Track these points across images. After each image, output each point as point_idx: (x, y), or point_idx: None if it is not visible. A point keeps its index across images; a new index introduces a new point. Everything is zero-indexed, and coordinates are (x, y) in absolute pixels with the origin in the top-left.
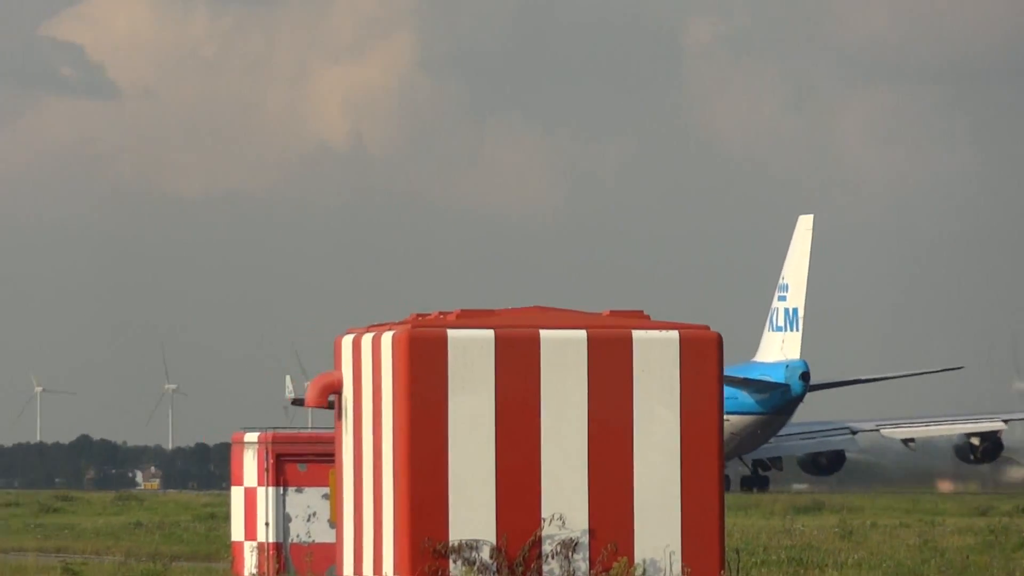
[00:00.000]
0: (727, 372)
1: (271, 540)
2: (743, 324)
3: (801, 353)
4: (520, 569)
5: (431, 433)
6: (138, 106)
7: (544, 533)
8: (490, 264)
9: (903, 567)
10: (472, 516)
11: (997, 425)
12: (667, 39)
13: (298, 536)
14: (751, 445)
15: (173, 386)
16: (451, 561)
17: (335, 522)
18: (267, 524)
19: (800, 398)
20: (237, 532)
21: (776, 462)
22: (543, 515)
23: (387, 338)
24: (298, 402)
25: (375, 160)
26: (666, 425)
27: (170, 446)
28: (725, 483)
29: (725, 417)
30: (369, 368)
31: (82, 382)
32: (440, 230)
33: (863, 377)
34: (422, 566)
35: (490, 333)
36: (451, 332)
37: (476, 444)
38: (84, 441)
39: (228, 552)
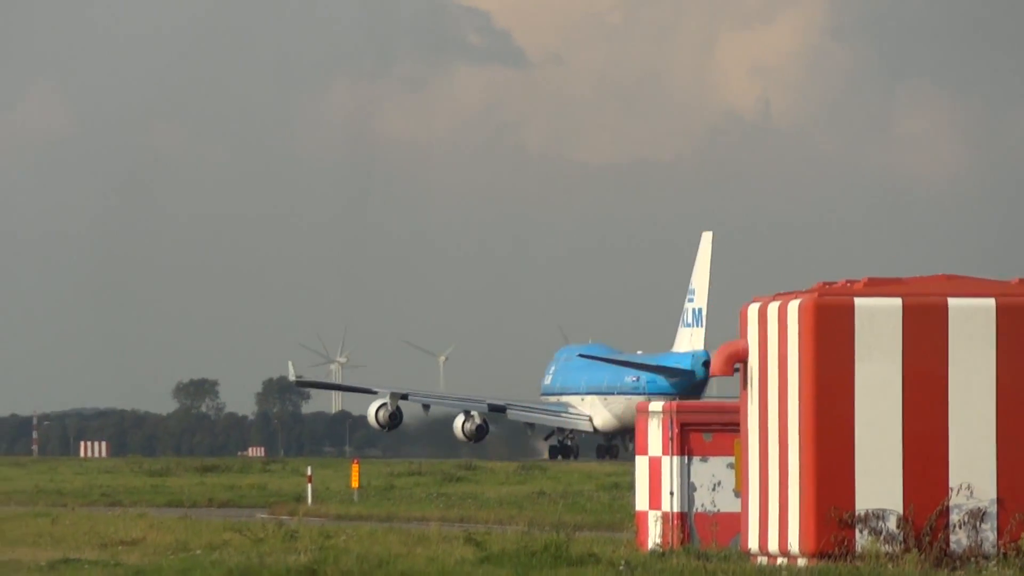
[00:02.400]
0: (648, 361)
1: (675, 510)
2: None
3: (704, 345)
4: (927, 539)
5: (837, 402)
6: (545, 73)
7: (951, 503)
8: (897, 231)
9: None
10: (878, 485)
11: None
12: None
13: (703, 506)
14: None
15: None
16: (857, 531)
17: (740, 492)
18: (671, 494)
19: (704, 382)
20: (641, 502)
21: None
22: (950, 485)
23: (793, 306)
24: (303, 384)
25: (782, 128)
26: None
27: None
28: (614, 452)
29: (646, 398)
30: (775, 337)
31: (481, 349)
32: (846, 197)
33: None
34: (827, 536)
35: (897, 301)
36: (858, 300)
37: (883, 413)
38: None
39: (632, 522)
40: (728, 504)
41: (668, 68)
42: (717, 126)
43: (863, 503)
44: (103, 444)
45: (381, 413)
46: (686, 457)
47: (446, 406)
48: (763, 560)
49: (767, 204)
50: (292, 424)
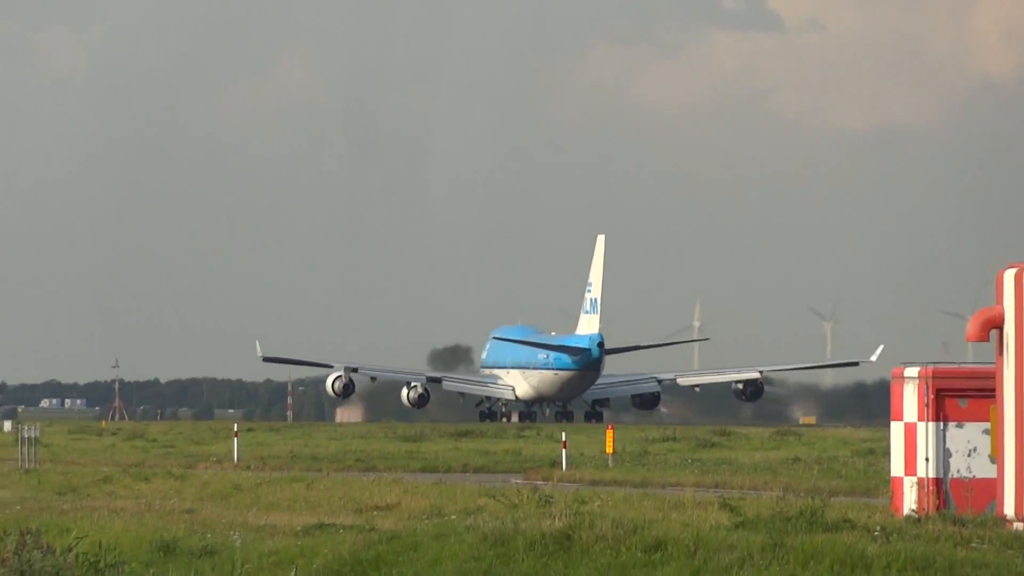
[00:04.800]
0: (554, 341)
1: (931, 475)
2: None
3: (599, 329)
4: None
5: None
6: (802, 39)
7: None
8: None
9: None
10: None
11: (754, 375)
12: None
13: (958, 471)
14: (574, 392)
15: (830, 323)
16: None
17: (995, 458)
18: (927, 459)
19: (599, 359)
20: (896, 467)
21: (605, 402)
22: None
23: None
24: (269, 359)
25: None
26: None
27: (827, 382)
28: (569, 416)
29: (554, 372)
30: None
31: (742, 318)
32: None
33: (642, 344)
34: None
35: None
36: None
37: None
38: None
39: (887, 488)
40: (984, 470)
41: (924, 33)
42: (973, 92)
43: None
44: (359, 409)
45: (336, 384)
46: (941, 423)
47: (389, 377)
48: (1019, 526)
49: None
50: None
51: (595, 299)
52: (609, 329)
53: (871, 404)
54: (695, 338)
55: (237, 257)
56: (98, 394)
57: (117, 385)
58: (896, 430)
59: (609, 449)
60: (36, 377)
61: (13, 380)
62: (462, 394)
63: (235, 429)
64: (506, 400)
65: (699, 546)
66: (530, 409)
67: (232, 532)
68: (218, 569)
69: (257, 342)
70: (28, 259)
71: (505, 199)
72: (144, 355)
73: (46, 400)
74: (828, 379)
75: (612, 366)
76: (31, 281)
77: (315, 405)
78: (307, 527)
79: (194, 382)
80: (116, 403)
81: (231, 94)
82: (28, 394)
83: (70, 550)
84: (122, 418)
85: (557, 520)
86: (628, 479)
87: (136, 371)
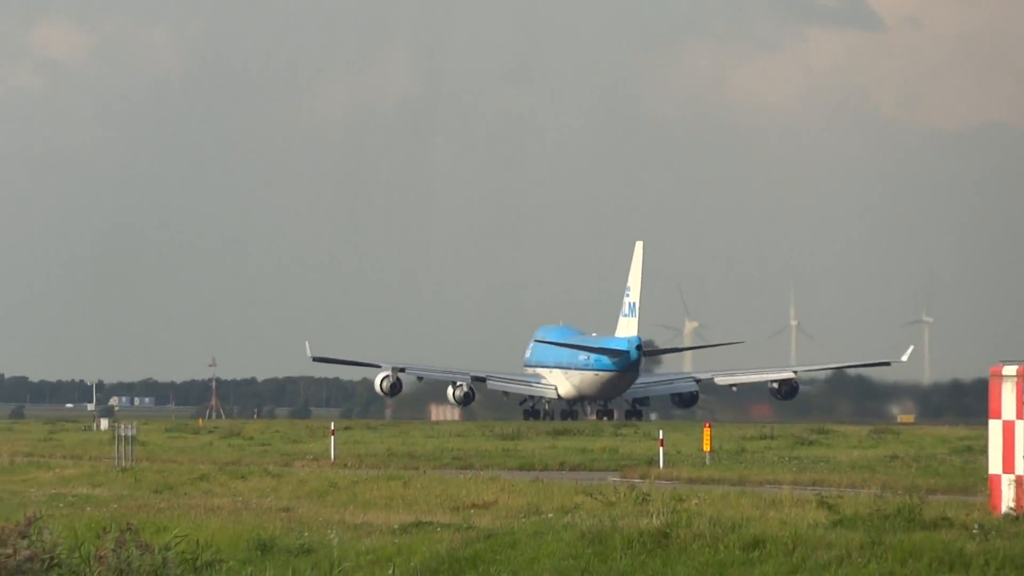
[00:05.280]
0: (594, 343)
1: None
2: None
3: (637, 331)
4: None
5: None
6: (902, 37)
7: None
8: None
9: None
10: None
11: (789, 374)
12: None
13: None
14: (614, 391)
15: (930, 319)
16: None
17: None
18: None
19: (638, 361)
20: (994, 465)
21: (645, 400)
22: None
23: None
24: (319, 359)
25: None
26: None
27: (926, 380)
28: (610, 415)
29: (595, 372)
30: None
31: (839, 314)
32: None
33: (680, 347)
34: None
35: None
36: None
37: None
38: (839, 376)
39: (985, 486)
40: None
41: (1023, 30)
42: None
43: None
44: (456, 409)
45: (384, 383)
46: None
47: (436, 377)
48: None
49: None
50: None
51: (633, 303)
52: (705, 330)
53: (969, 401)
54: (793, 336)
55: (343, 255)
56: (196, 393)
57: (214, 384)
58: (994, 428)
59: (706, 447)
60: (133, 375)
61: (111, 379)
62: (506, 393)
63: (332, 427)
64: (549, 399)
65: (797, 544)
66: (572, 408)
67: (329, 530)
68: (316, 568)
69: (307, 343)
70: (129, 259)
71: (603, 193)
72: (240, 354)
73: (115, 397)
74: (926, 377)
75: (709, 361)
76: (130, 280)
77: (412, 403)
78: (404, 525)
79: (291, 380)
80: (213, 402)
81: (331, 91)
82: (125, 393)
83: (168, 549)
84: (219, 416)
85: (654, 518)
86: (725, 477)
87: (233, 370)
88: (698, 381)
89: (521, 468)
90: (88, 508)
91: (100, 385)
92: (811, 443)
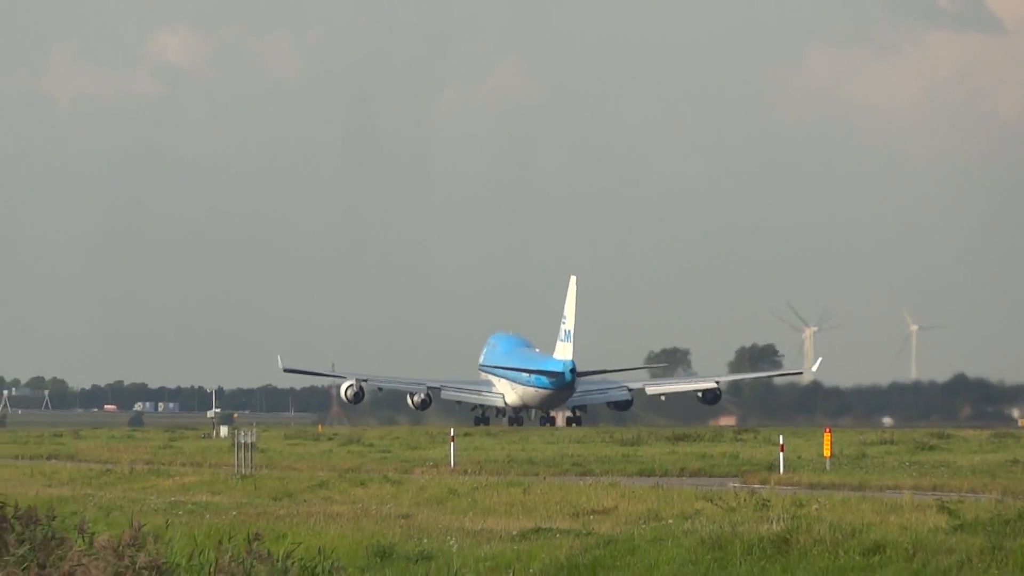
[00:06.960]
0: (534, 365)
1: None
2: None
3: (572, 355)
4: None
5: None
6: (1021, 40)
7: None
8: None
9: None
10: None
11: (712, 384)
12: None
13: None
14: (553, 405)
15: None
16: None
17: None
18: None
19: (572, 382)
20: None
21: (583, 407)
22: None
23: None
24: (290, 371)
25: None
26: None
27: None
28: (552, 421)
29: (535, 389)
30: None
31: (956, 318)
32: None
33: (607, 368)
34: None
35: None
36: None
37: None
38: (959, 379)
39: None
40: None
41: None
42: None
43: None
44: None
45: (349, 391)
46: None
47: (394, 386)
48: None
49: None
50: (764, 393)
51: (568, 330)
52: (823, 334)
53: None
54: (912, 342)
55: (453, 258)
56: (316, 400)
57: (334, 391)
58: None
59: (827, 452)
60: (252, 382)
61: (230, 385)
62: (459, 402)
63: (451, 434)
64: (498, 407)
65: (917, 549)
66: (518, 415)
67: (448, 537)
68: (434, 574)
69: (279, 356)
70: (246, 261)
71: (704, 203)
72: (360, 360)
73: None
74: None
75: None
76: (243, 285)
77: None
78: (523, 531)
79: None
80: (334, 408)
81: (444, 97)
82: (245, 399)
83: (288, 556)
84: (340, 423)
85: (774, 524)
86: (846, 482)
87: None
88: (631, 390)
89: (641, 474)
90: (207, 516)
91: (220, 392)
92: (931, 448)
